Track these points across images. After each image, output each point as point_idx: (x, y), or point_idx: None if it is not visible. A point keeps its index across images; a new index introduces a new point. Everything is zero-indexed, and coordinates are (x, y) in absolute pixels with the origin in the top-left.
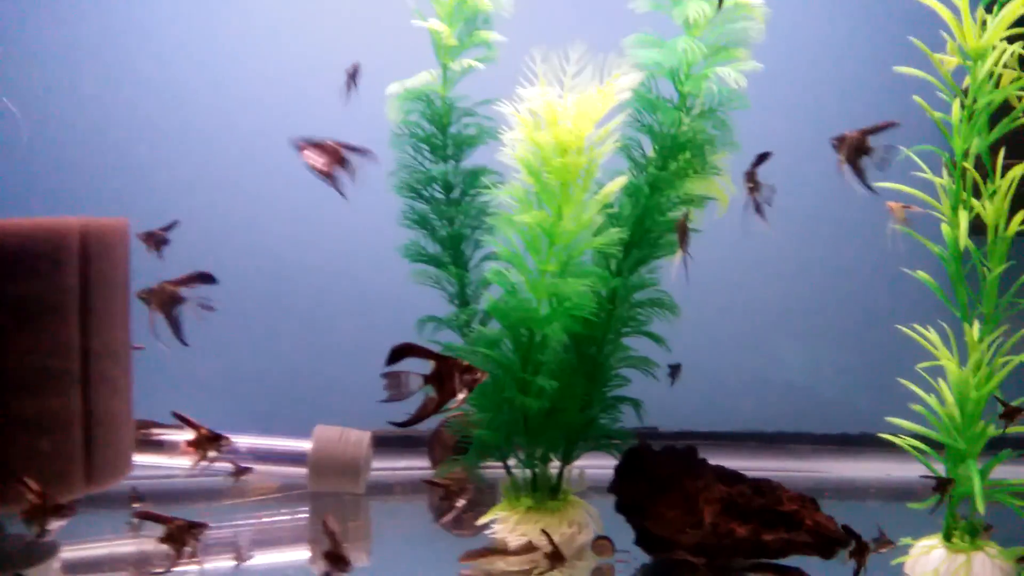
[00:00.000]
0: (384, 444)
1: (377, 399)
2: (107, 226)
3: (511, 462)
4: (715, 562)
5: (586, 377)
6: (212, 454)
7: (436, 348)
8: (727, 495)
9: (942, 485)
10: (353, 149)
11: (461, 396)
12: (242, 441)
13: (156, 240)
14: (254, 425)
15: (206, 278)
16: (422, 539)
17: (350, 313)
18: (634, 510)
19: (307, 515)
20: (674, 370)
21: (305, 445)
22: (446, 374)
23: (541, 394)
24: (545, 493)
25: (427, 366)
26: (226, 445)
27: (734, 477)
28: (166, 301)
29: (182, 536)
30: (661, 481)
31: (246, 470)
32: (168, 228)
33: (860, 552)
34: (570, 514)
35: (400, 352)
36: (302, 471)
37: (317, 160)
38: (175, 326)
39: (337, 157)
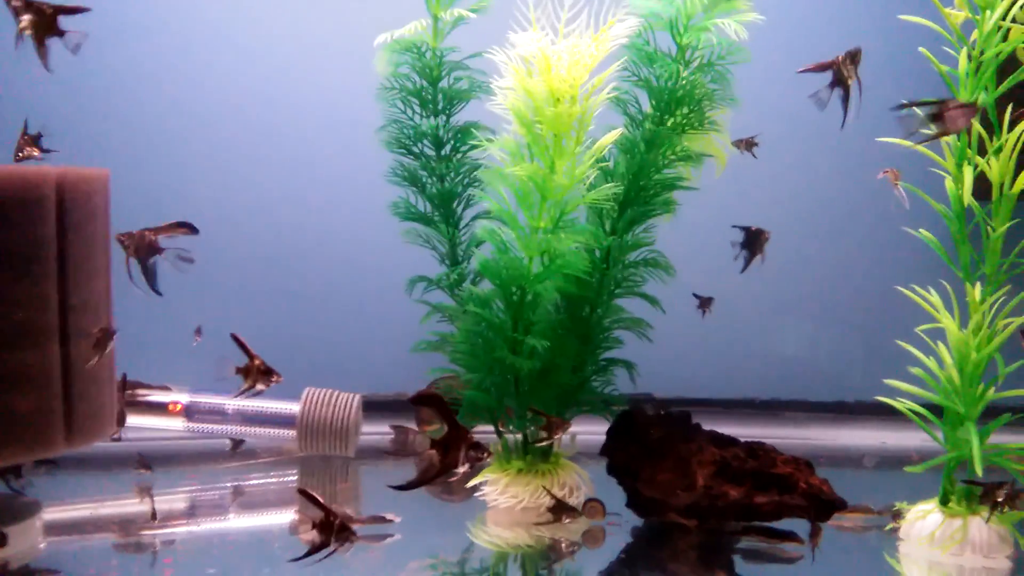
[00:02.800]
0: (374, 408)
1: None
2: (86, 175)
3: (501, 424)
4: (707, 524)
5: (579, 338)
6: (259, 387)
7: (454, 412)
8: (720, 458)
9: (990, 492)
10: (69, 11)
11: (461, 470)
12: (230, 403)
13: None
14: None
15: (187, 227)
16: (411, 502)
17: (341, 274)
18: (626, 473)
19: (295, 478)
20: (704, 302)
21: (294, 408)
22: (453, 444)
23: (532, 354)
24: (536, 456)
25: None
26: (276, 381)
27: (727, 441)
28: (143, 248)
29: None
30: (654, 444)
31: (240, 443)
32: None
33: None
34: (561, 477)
35: (425, 400)
36: (291, 434)
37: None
38: (149, 275)
39: (49, 21)
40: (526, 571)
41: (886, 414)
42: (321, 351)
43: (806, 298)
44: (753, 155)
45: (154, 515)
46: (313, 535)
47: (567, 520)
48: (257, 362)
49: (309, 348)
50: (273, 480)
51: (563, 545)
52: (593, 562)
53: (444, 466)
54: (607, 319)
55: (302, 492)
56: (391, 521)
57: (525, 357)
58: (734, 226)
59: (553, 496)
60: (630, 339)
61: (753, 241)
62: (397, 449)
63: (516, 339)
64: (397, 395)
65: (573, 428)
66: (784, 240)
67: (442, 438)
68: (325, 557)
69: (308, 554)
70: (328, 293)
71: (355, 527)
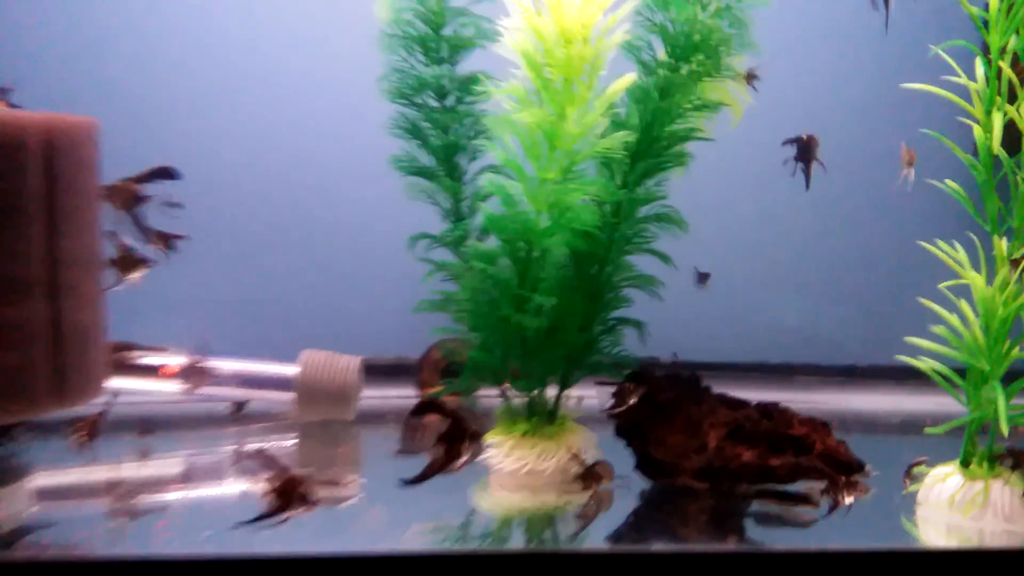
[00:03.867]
0: (374, 371)
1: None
2: (73, 123)
3: (506, 386)
4: (719, 487)
5: (587, 296)
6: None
7: (455, 406)
8: (733, 419)
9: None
10: None
11: (463, 460)
12: (226, 365)
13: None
14: (238, 349)
15: (167, 173)
16: (413, 466)
17: (341, 235)
18: (635, 435)
19: (295, 443)
20: (703, 277)
21: (292, 370)
22: (457, 437)
23: (539, 312)
24: (542, 418)
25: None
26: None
27: (739, 403)
28: (128, 199)
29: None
30: (663, 406)
31: (244, 405)
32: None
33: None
34: (568, 440)
35: (425, 407)
36: (289, 397)
37: None
38: (139, 225)
39: None
40: (531, 535)
41: (900, 378)
42: (321, 313)
43: (818, 259)
44: (754, 88)
45: (124, 481)
46: (272, 497)
47: (597, 486)
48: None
49: (309, 310)
50: (271, 445)
51: (569, 509)
52: (601, 526)
53: (448, 458)
54: (617, 277)
55: (255, 456)
56: (344, 485)
57: (531, 315)
58: (784, 143)
59: (581, 463)
60: (640, 299)
61: (806, 150)
62: (406, 446)
63: (522, 296)
64: (398, 358)
65: (579, 392)
66: (798, 199)
67: (446, 432)
68: (280, 521)
69: (261, 518)
70: (328, 255)
71: (325, 489)
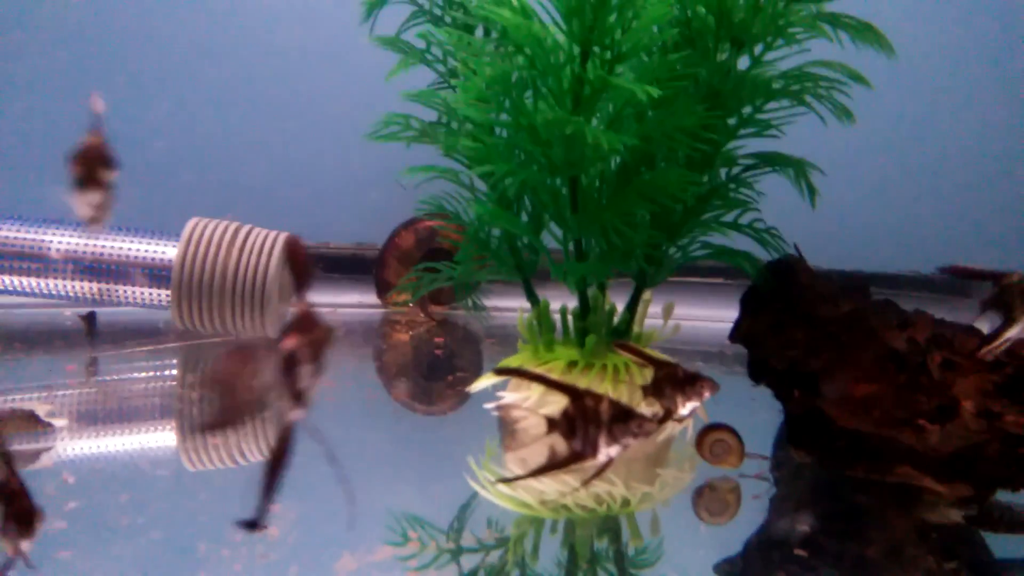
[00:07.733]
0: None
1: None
2: None
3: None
4: (985, 497)
5: (707, 96)
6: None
7: None
8: (1004, 357)
9: None
10: None
11: (687, 409)
12: (56, 241)
13: None
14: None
15: None
16: (373, 421)
17: (278, 81)
18: (792, 378)
19: (175, 376)
20: None
21: (170, 251)
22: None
23: (621, 123)
24: (601, 337)
25: None
26: None
27: (976, 331)
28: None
29: None
30: (838, 325)
31: (93, 319)
32: None
33: None
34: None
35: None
36: (165, 297)
37: None
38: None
39: None
40: (576, 563)
41: None
42: (247, 184)
43: None
44: None
45: None
46: None
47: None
48: None
49: (229, 180)
50: (147, 376)
51: (645, 509)
52: (712, 550)
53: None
54: (763, 71)
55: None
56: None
57: (605, 122)
58: None
59: (649, 360)
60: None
61: None
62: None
63: (584, 82)
64: (358, 247)
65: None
66: None
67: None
68: None
69: None
70: (258, 102)
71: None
